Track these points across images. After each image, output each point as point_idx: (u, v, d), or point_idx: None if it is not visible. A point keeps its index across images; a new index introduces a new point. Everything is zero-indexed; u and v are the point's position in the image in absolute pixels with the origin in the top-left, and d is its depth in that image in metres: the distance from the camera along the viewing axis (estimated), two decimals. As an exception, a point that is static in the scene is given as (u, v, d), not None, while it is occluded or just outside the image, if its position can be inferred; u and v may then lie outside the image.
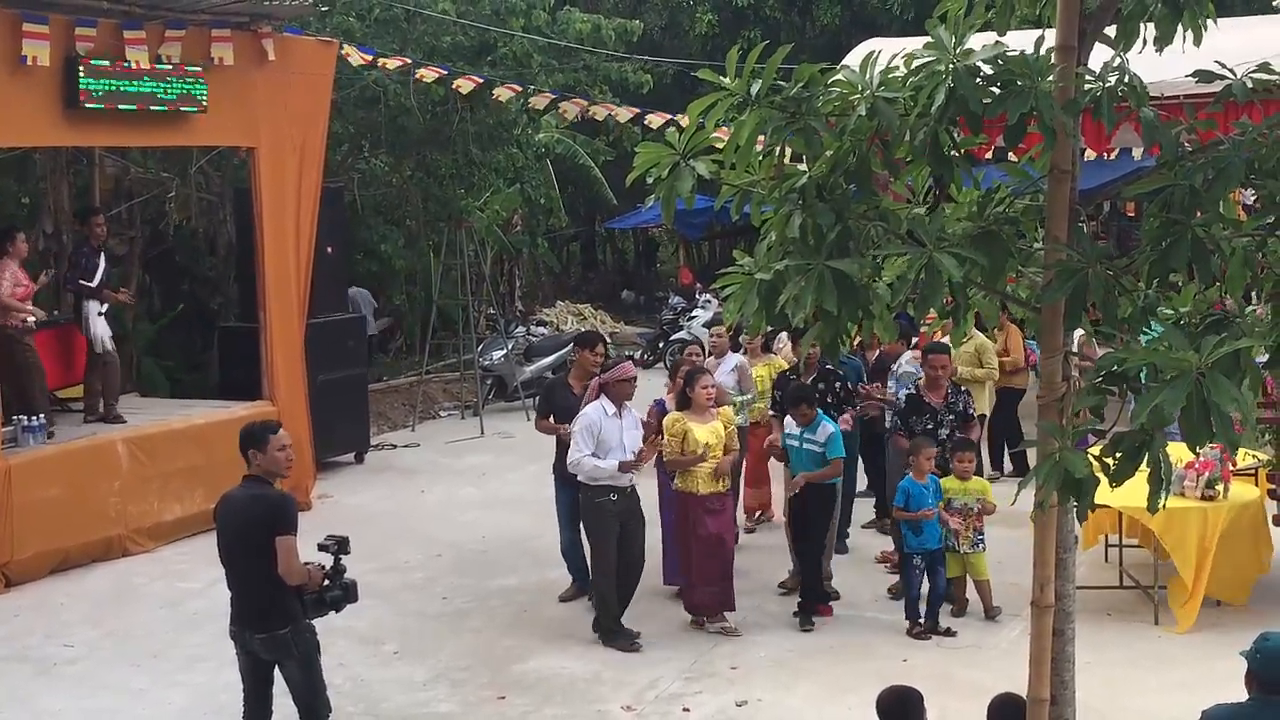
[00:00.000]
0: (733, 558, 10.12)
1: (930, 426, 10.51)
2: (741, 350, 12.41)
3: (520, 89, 17.11)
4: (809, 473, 10.11)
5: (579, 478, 9.70)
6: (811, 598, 10.11)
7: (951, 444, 10.33)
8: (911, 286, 5.00)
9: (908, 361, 11.85)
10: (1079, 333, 5.52)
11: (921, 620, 9.80)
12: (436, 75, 16.15)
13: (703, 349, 12.33)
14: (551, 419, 10.63)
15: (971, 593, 10.19)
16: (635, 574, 9.89)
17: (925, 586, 10.01)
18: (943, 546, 9.95)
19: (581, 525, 10.14)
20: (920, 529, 9.88)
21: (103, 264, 13.23)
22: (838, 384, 11.09)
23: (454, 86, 16.51)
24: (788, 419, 10.36)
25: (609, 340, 24.70)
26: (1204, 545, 9.77)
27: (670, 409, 10.28)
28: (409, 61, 16.08)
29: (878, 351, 12.48)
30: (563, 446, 10.34)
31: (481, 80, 16.67)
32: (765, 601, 10.41)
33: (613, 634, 9.69)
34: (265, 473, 7.80)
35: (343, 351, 15.65)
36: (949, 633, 9.78)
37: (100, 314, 13.15)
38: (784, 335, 13.73)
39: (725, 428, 9.99)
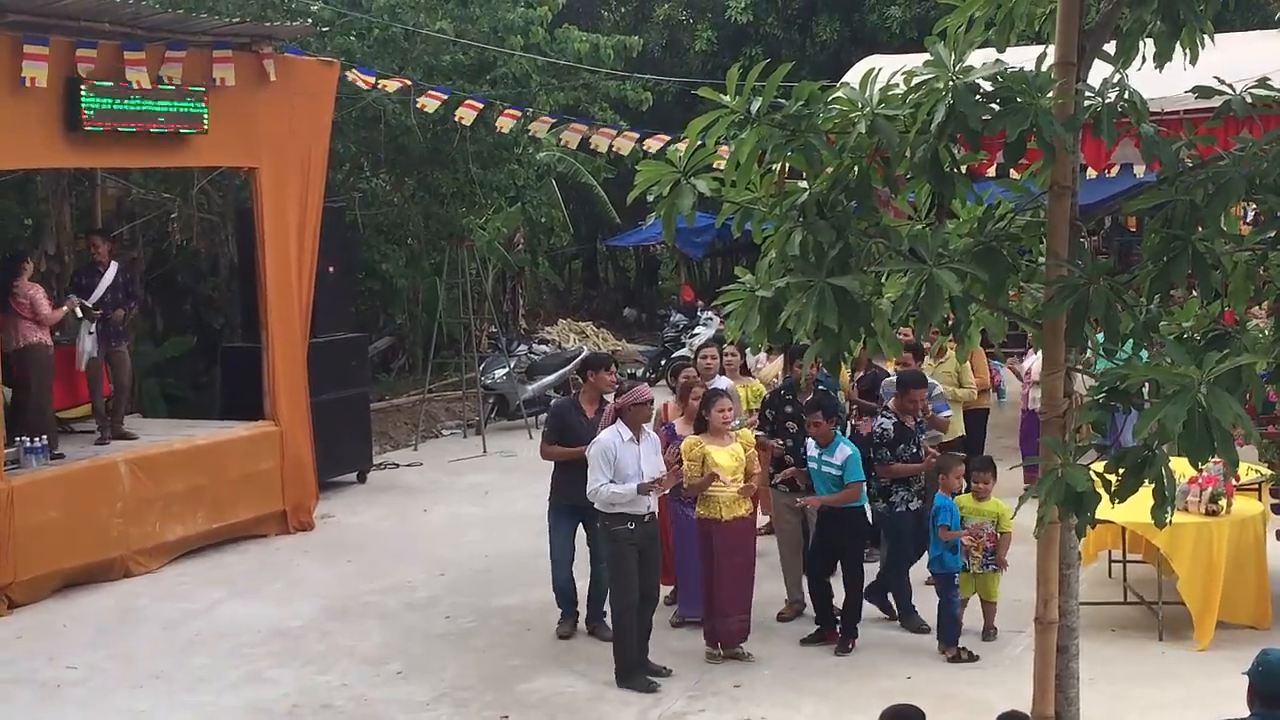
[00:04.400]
0: (753, 584, 9.88)
1: (915, 451, 10.46)
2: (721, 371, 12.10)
3: (520, 114, 17.09)
4: (827, 496, 9.96)
5: (596, 505, 9.33)
6: (851, 625, 9.95)
7: (974, 463, 10.32)
8: (912, 302, 5.01)
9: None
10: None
11: (957, 643, 9.71)
12: (438, 101, 16.12)
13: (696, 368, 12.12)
14: (559, 444, 10.27)
15: (972, 610, 10.16)
16: (651, 606, 9.54)
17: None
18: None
19: (598, 558, 9.89)
20: (955, 548, 9.86)
21: (104, 283, 13.25)
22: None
23: (457, 118, 16.51)
24: (810, 442, 10.08)
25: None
26: (1211, 560, 9.74)
27: (678, 431, 10.17)
28: (410, 83, 16.07)
29: (861, 372, 12.38)
30: (562, 474, 10.14)
31: (482, 105, 16.65)
32: (769, 619, 10.38)
33: (631, 674, 9.29)
34: None
35: (345, 370, 15.65)
36: (971, 656, 9.70)
37: (91, 332, 13.18)
38: (763, 355, 13.66)
39: (745, 451, 9.77)
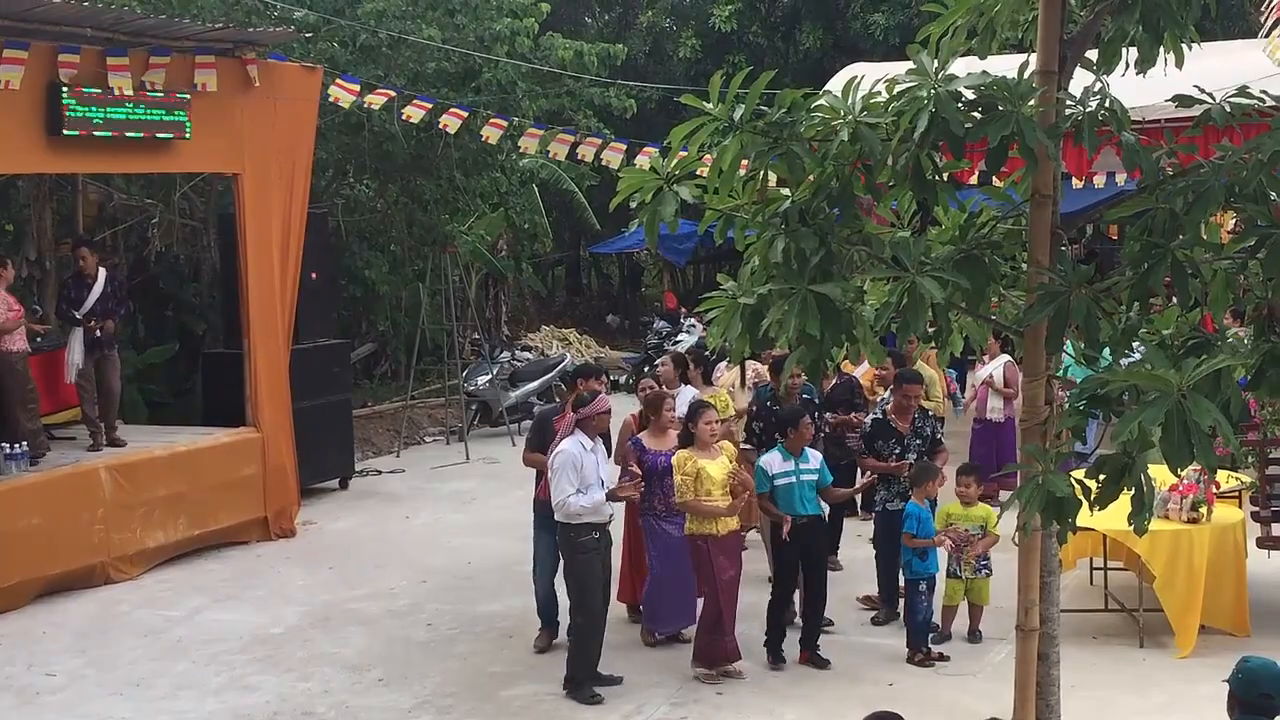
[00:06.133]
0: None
1: (898, 451, 10.49)
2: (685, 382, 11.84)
3: (505, 124, 17.09)
4: (837, 491, 10.11)
5: (556, 517, 9.29)
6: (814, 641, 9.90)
7: (959, 469, 10.34)
8: (894, 309, 5.02)
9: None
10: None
11: (924, 648, 9.72)
12: (423, 111, 16.07)
13: (657, 380, 12.04)
14: (542, 453, 10.05)
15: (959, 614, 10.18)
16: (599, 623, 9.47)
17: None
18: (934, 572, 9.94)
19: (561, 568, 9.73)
20: (925, 554, 9.87)
21: (94, 294, 13.17)
22: (816, 414, 11.02)
23: (441, 126, 16.49)
24: (768, 459, 9.91)
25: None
26: (1192, 567, 9.76)
27: (647, 445, 9.96)
28: (393, 95, 16.03)
29: (834, 381, 12.36)
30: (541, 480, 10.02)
31: (467, 114, 16.64)
32: (750, 627, 10.35)
33: (582, 684, 9.24)
34: None
35: (328, 377, 15.61)
36: (942, 657, 9.75)
37: (83, 342, 13.11)
38: (722, 365, 13.68)
39: (730, 462, 9.71)
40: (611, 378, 23.37)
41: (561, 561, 9.66)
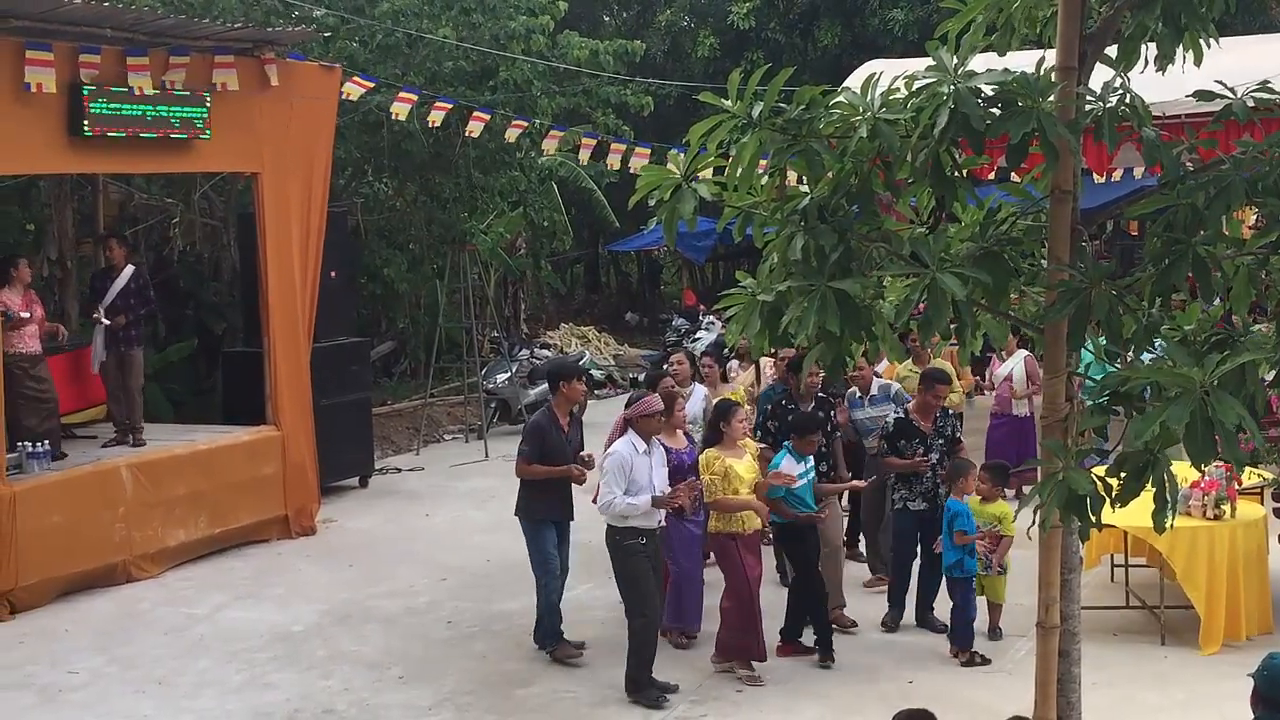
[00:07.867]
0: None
1: (921, 451, 10.46)
2: (700, 379, 11.91)
3: (526, 124, 17.13)
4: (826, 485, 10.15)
5: (606, 519, 9.12)
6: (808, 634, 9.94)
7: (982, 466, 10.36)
8: (915, 306, 5.01)
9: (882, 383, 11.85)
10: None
11: (971, 648, 9.67)
12: (444, 111, 16.07)
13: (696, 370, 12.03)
14: (540, 463, 9.85)
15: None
16: (657, 624, 9.38)
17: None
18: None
19: (614, 572, 9.41)
20: (973, 551, 9.82)
21: (115, 286, 13.26)
22: (833, 412, 11.01)
23: (467, 133, 16.51)
24: (786, 465, 9.79)
25: (614, 362, 24.88)
26: (1213, 565, 9.72)
27: (668, 445, 9.84)
28: (414, 99, 16.03)
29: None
30: (539, 488, 9.83)
31: (489, 116, 16.65)
32: (769, 624, 10.35)
33: (641, 685, 9.11)
34: None
35: (347, 375, 15.65)
36: (982, 659, 9.68)
37: (103, 335, 13.19)
38: (734, 364, 13.66)
39: (755, 460, 9.70)
40: (631, 376, 23.52)
41: (612, 566, 9.37)
